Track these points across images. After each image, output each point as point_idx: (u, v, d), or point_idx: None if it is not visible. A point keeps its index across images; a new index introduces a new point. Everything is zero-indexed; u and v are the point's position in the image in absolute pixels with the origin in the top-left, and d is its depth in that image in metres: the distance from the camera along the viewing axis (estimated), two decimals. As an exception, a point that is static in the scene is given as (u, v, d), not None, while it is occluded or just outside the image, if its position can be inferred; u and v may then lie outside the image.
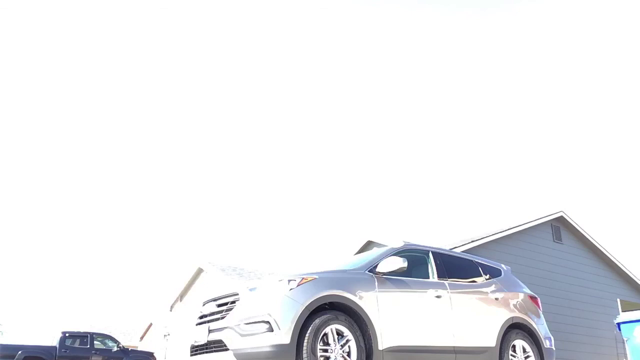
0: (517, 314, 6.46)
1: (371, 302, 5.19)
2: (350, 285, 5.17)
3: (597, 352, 16.42)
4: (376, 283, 5.37)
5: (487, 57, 36.67)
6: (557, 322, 14.93)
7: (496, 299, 6.41)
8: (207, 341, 5.06)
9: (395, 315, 5.34)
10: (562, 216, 17.67)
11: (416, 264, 6.09)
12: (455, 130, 42.04)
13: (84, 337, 18.00)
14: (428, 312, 5.68)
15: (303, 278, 4.97)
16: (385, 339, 5.12)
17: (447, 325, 5.77)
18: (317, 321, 4.76)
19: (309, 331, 4.68)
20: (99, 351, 17.83)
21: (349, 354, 4.87)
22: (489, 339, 6.05)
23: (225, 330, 4.89)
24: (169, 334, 26.49)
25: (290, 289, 4.84)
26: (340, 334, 4.90)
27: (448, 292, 5.95)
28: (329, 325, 4.84)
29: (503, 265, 7.24)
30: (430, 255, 6.27)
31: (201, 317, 5.43)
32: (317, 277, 5.05)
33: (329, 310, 4.96)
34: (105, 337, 19.12)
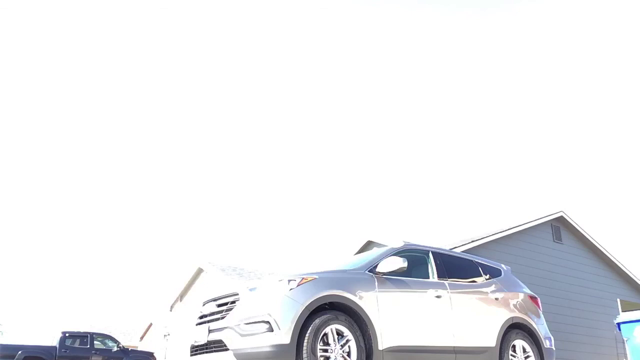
0: (517, 314, 6.46)
1: (371, 302, 5.19)
2: (350, 285, 5.17)
3: (597, 352, 16.42)
4: (376, 283, 5.37)
5: (487, 57, 36.68)
6: (557, 322, 14.93)
7: (496, 299, 6.41)
8: (207, 341, 5.06)
9: (395, 315, 5.34)
10: (562, 216, 17.67)
11: (416, 264, 6.09)
12: (455, 130, 42.06)
13: (84, 337, 18.00)
14: (428, 312, 5.68)
15: (303, 278, 4.97)
16: (385, 339, 5.12)
17: (447, 325, 5.77)
18: (317, 321, 4.76)
19: (309, 331, 4.68)
20: (99, 351, 17.83)
21: (349, 354, 4.87)
22: (489, 339, 6.05)
23: (225, 330, 4.89)
24: (169, 334, 26.49)
25: (290, 289, 4.84)
26: (340, 334, 4.90)
27: (448, 292, 5.95)
28: (329, 325, 4.83)
29: (503, 265, 7.24)
30: (430, 255, 6.27)
31: (201, 317, 5.43)
32: (317, 277, 5.05)
33: (329, 310, 4.96)
34: (105, 337, 19.12)
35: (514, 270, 7.88)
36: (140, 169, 53.52)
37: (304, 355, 4.59)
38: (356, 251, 18.01)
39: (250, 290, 5.07)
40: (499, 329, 6.16)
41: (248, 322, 4.76)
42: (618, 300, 17.89)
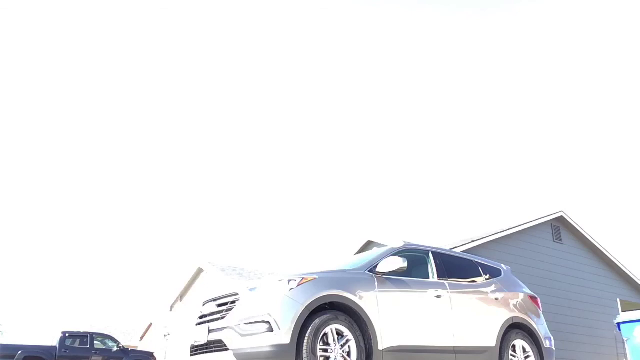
0: (517, 314, 6.46)
1: (371, 302, 5.19)
2: (350, 285, 5.17)
3: (597, 352, 16.42)
4: (376, 283, 5.37)
5: (487, 57, 36.68)
6: (557, 322, 14.93)
7: (496, 299, 6.41)
8: (207, 341, 5.06)
9: (395, 315, 5.34)
10: (562, 216, 17.68)
11: (416, 264, 6.09)
12: (455, 130, 42.06)
13: (84, 337, 18.00)
14: (428, 312, 5.68)
15: (303, 278, 4.97)
16: (385, 339, 5.12)
17: (447, 325, 5.77)
18: (317, 321, 4.76)
19: (309, 331, 4.68)
20: (99, 351, 17.83)
21: (349, 354, 4.87)
22: (489, 339, 6.05)
23: (225, 330, 4.89)
24: (169, 334, 26.49)
25: (290, 289, 4.84)
26: (340, 334, 4.90)
27: (448, 292, 5.95)
28: (329, 325, 4.83)
29: (503, 265, 7.24)
30: (430, 255, 6.27)
31: (201, 317, 5.43)
32: (317, 277, 5.05)
33: (329, 310, 4.96)
34: (105, 337, 19.12)
35: (514, 270, 7.88)
36: (141, 169, 53.54)
37: (304, 355, 4.59)
38: (356, 251, 18.01)
39: (250, 290, 5.07)
40: (499, 329, 6.16)
41: (248, 322, 4.76)
42: (618, 300, 17.89)
